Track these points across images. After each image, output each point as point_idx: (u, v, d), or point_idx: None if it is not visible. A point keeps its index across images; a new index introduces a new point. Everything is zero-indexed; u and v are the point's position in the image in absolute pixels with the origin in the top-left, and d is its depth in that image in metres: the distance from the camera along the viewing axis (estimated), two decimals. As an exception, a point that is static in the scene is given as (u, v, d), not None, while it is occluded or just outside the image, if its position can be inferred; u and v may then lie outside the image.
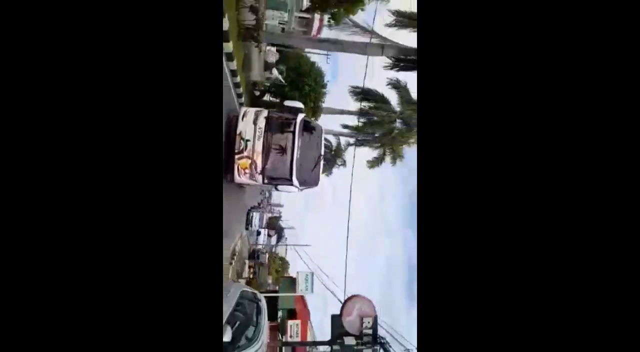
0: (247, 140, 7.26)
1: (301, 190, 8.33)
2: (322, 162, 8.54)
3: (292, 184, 7.62)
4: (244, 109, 8.04)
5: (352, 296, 6.93)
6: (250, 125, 7.39)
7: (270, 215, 35.61)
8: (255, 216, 19.49)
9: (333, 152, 16.25)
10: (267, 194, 32.92)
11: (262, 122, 7.43)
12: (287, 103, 8.62)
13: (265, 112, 7.76)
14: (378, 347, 6.61)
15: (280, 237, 34.15)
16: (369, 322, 6.63)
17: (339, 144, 16.69)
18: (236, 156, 7.24)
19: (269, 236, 29.29)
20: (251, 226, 19.10)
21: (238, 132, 7.34)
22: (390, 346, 6.43)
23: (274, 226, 33.34)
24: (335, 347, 6.71)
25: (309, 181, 8.12)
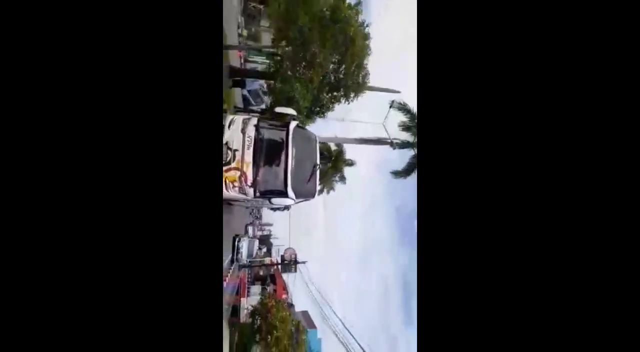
0: (235, 151, 6.72)
1: (297, 202, 7.81)
2: (318, 172, 8.06)
3: (287, 197, 7.09)
4: (229, 116, 7.47)
5: (288, 248, 19.39)
6: (237, 134, 6.90)
7: (260, 233, 46.71)
8: (250, 229, 31.94)
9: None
10: (257, 215, 41.92)
11: (251, 131, 6.96)
12: (278, 109, 8.21)
13: (254, 120, 7.29)
14: (296, 265, 19.04)
15: (269, 250, 45.55)
16: (292, 256, 19.04)
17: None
18: (223, 168, 6.61)
19: (260, 248, 40.91)
20: (248, 234, 31.32)
21: (224, 141, 6.76)
22: (299, 264, 18.88)
23: (265, 242, 44.89)
24: (281, 265, 19.26)
25: (305, 193, 7.67)
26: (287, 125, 7.37)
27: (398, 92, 13.73)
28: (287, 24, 10.12)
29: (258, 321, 12.93)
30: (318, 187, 13.42)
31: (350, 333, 11.79)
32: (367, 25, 11.17)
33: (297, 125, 7.57)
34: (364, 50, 11.01)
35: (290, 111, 8.11)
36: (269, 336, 11.78)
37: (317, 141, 8.11)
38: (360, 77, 11.63)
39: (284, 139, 7.17)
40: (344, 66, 10.96)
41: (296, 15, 9.70)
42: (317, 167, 7.90)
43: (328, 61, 10.63)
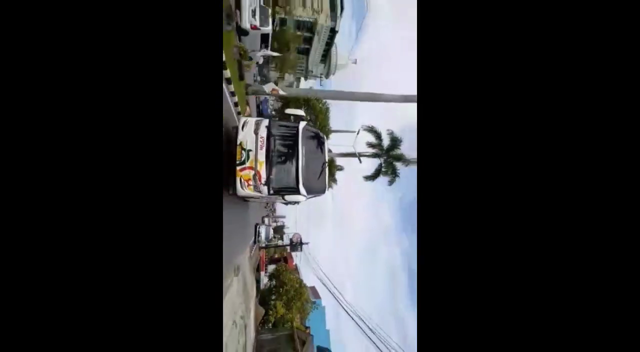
0: (249, 151, 7.02)
1: (308, 198, 7.97)
2: (327, 169, 8.30)
3: (299, 193, 7.33)
4: (243, 118, 7.64)
5: (295, 233, 25.49)
6: (251, 135, 7.18)
7: (275, 224, 52.94)
8: (266, 220, 38.00)
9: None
10: (272, 208, 47.60)
11: (263, 132, 7.22)
12: (289, 111, 8.47)
13: (265, 121, 7.50)
14: (301, 246, 25.15)
15: (282, 237, 51.86)
16: (298, 239, 25.15)
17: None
18: (238, 168, 6.96)
19: (274, 237, 47.10)
20: (265, 223, 37.51)
21: (238, 142, 7.06)
22: (302, 244, 25.01)
23: (279, 232, 51.22)
24: (290, 245, 25.44)
25: (315, 189, 7.89)
26: (296, 126, 7.65)
27: (354, 131, 20.12)
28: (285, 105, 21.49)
29: (274, 281, 19.12)
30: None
31: (342, 296, 17.51)
32: (328, 106, 24.22)
33: (306, 125, 7.86)
34: (326, 119, 24.42)
35: (300, 112, 8.44)
36: (281, 289, 17.96)
37: (325, 140, 8.39)
38: (327, 130, 23.44)
39: (294, 139, 7.47)
40: (317, 124, 22.53)
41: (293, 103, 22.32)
42: (326, 164, 8.12)
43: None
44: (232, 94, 10.68)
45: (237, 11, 11.88)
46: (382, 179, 20.22)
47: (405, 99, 15.31)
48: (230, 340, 7.81)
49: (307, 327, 17.97)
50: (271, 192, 7.11)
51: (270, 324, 16.53)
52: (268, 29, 12.94)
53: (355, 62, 51.20)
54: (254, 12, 12.14)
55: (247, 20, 12.03)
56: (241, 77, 12.36)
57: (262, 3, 13.26)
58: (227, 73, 9.93)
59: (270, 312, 16.50)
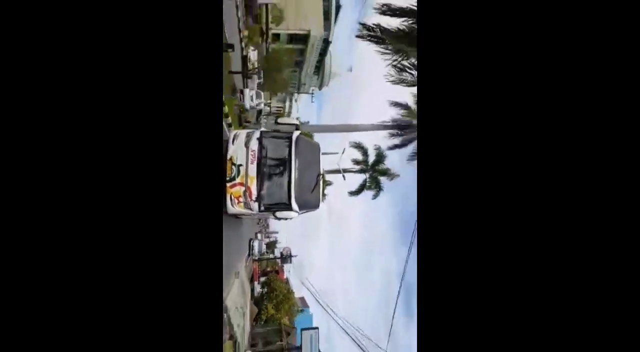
0: (240, 166, 6.86)
1: (301, 214, 7.69)
2: (321, 182, 8.04)
3: (291, 209, 7.12)
4: (234, 131, 7.51)
5: (285, 247, 28.99)
6: (241, 148, 6.99)
7: (268, 240, 55.31)
8: (259, 235, 41.02)
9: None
10: (264, 224, 47.36)
11: (254, 144, 7.01)
12: (281, 120, 8.41)
13: (257, 133, 7.32)
14: (291, 258, 28.62)
15: (273, 251, 54.38)
16: (288, 252, 28.65)
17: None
18: (228, 184, 6.80)
19: (267, 252, 49.44)
20: (258, 238, 40.54)
21: (228, 157, 6.90)
22: (291, 257, 28.53)
23: (271, 247, 54.01)
24: (281, 258, 28.92)
25: (309, 204, 7.66)
26: (289, 136, 7.35)
27: (336, 153, 21.40)
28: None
29: (265, 288, 22.46)
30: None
31: (324, 301, 20.75)
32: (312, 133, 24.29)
33: (300, 135, 7.58)
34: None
35: (294, 121, 8.20)
36: (272, 294, 21.32)
37: (320, 150, 8.10)
38: None
39: (287, 150, 7.19)
40: None
41: None
42: (320, 176, 7.85)
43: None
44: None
45: (241, 95, 18.28)
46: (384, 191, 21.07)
47: (379, 127, 17.88)
48: (235, 317, 11.16)
49: (293, 327, 21.14)
50: (262, 208, 7.07)
51: (262, 322, 19.76)
52: (261, 102, 19.89)
53: (351, 70, 49.27)
54: (252, 97, 19.08)
55: (247, 102, 18.76)
56: (241, 125, 16.94)
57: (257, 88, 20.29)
58: (232, 130, 13.47)
59: (262, 312, 19.77)
